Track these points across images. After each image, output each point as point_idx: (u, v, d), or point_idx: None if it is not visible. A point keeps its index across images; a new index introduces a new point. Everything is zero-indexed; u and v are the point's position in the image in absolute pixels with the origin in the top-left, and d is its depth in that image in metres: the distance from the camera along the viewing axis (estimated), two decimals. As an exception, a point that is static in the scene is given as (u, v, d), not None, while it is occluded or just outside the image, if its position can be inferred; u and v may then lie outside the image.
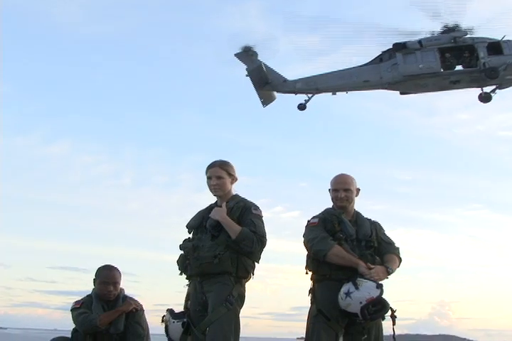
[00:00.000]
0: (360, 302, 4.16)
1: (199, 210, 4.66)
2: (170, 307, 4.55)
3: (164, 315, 4.53)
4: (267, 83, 20.43)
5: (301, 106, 20.20)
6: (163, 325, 4.52)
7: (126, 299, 5.17)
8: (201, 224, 4.50)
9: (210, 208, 4.57)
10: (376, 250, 4.62)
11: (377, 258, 4.54)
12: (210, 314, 4.18)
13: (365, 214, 4.81)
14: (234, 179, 4.58)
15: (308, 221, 4.67)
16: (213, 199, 4.67)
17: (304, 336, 4.53)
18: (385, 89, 19.59)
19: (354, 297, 4.18)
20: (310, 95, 20.16)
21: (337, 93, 19.97)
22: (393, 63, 19.02)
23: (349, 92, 19.98)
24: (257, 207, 4.46)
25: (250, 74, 20.39)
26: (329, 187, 4.77)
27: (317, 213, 4.76)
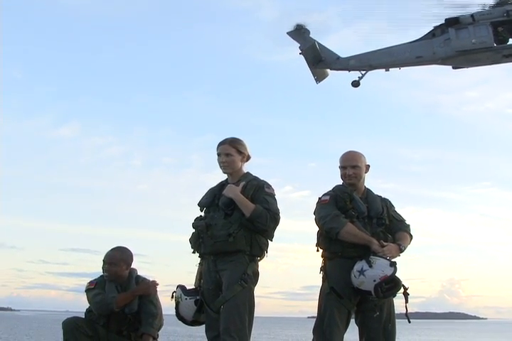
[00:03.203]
0: (374, 280, 4.14)
1: (210, 188, 4.62)
2: (181, 284, 4.52)
3: (174, 291, 4.50)
4: (320, 61, 20.62)
5: (355, 83, 20.33)
6: (174, 302, 4.48)
7: (141, 281, 5.18)
8: (213, 202, 4.46)
9: (221, 185, 4.53)
10: (387, 227, 4.58)
11: (390, 236, 4.51)
12: (224, 292, 4.16)
13: (375, 193, 4.76)
14: (245, 157, 4.52)
15: (320, 198, 4.62)
16: (224, 177, 4.61)
17: (314, 315, 4.52)
18: (438, 64, 19.62)
19: (368, 275, 4.16)
20: (363, 72, 20.24)
21: (390, 69, 20.08)
22: (446, 38, 18.97)
23: (402, 68, 20.05)
24: (269, 186, 4.42)
25: (304, 52, 20.56)
26: (338, 165, 4.72)
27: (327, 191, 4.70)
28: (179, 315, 4.46)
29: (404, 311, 4.47)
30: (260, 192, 4.32)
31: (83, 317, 5.15)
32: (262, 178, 4.50)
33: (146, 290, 5.10)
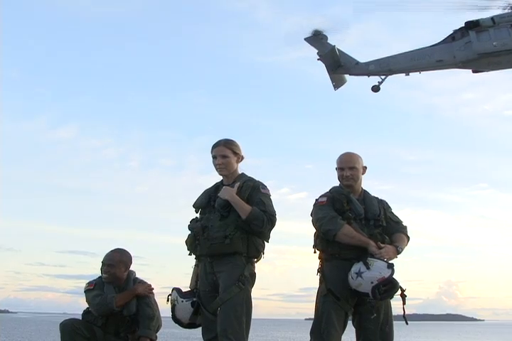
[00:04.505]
0: (372, 282, 4.14)
1: (205, 189, 4.61)
2: (176, 287, 4.52)
3: (170, 294, 4.49)
4: (339, 66, 20.55)
5: (375, 88, 20.25)
6: (170, 305, 4.47)
7: (138, 282, 5.18)
8: (209, 203, 4.44)
9: (216, 187, 4.52)
10: (384, 229, 4.58)
11: (387, 238, 4.50)
12: (221, 294, 4.15)
13: (373, 194, 4.76)
14: (240, 157, 4.51)
15: (317, 200, 4.62)
16: (220, 178, 4.60)
17: (312, 317, 4.50)
18: (458, 68, 19.55)
19: (365, 277, 4.16)
20: (383, 77, 20.19)
21: (410, 74, 19.98)
22: (466, 41, 18.89)
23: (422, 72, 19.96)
24: (265, 186, 4.41)
25: (323, 58, 20.54)
26: (335, 167, 4.72)
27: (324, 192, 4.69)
28: (175, 318, 4.45)
29: (402, 313, 4.48)
30: (256, 193, 4.31)
31: (80, 318, 5.15)
32: (258, 179, 4.48)
33: (144, 290, 5.09)
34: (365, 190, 4.72)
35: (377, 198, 4.73)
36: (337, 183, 4.72)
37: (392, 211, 4.77)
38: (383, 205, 4.70)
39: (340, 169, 4.65)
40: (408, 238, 4.64)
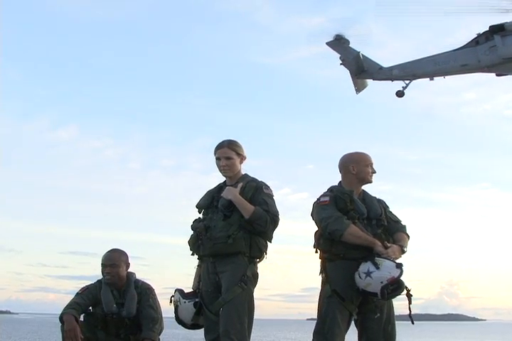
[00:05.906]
0: (381, 282, 4.10)
1: (208, 190, 4.61)
2: (179, 287, 4.51)
3: (173, 296, 4.49)
4: (362, 71, 20.59)
5: (399, 93, 20.27)
6: (173, 306, 4.47)
7: (140, 285, 5.15)
8: (211, 203, 4.45)
9: (220, 187, 4.52)
10: (386, 229, 4.55)
11: (390, 237, 4.47)
12: (224, 294, 4.15)
13: (374, 194, 4.72)
14: (243, 158, 4.51)
15: (318, 199, 4.57)
16: (222, 179, 4.60)
17: (314, 317, 4.48)
18: (483, 72, 19.51)
19: (375, 277, 4.12)
20: (407, 81, 20.18)
21: (434, 78, 19.97)
22: (491, 45, 18.79)
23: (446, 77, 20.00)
24: (267, 186, 4.41)
25: (347, 63, 20.56)
26: (349, 165, 4.57)
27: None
28: (178, 319, 4.45)
29: (404, 312, 4.43)
30: (259, 193, 4.31)
31: (82, 319, 5.12)
32: (260, 180, 4.48)
33: None
34: (364, 190, 4.69)
35: (375, 197, 4.70)
36: (336, 183, 4.69)
37: (390, 210, 4.73)
38: (382, 205, 4.68)
39: (370, 166, 4.60)
40: (408, 237, 4.61)
